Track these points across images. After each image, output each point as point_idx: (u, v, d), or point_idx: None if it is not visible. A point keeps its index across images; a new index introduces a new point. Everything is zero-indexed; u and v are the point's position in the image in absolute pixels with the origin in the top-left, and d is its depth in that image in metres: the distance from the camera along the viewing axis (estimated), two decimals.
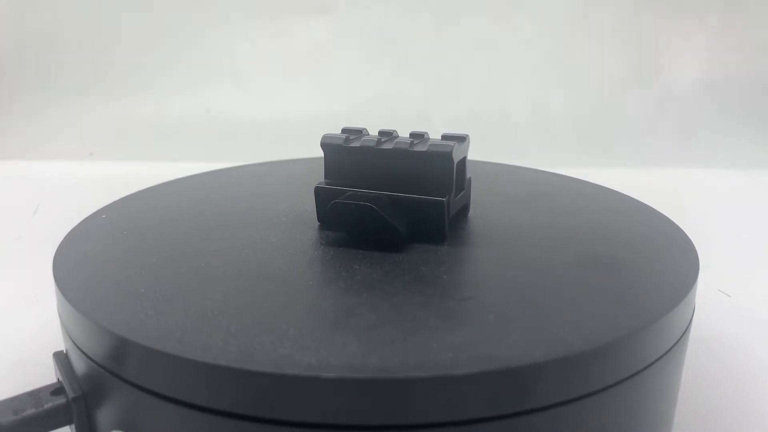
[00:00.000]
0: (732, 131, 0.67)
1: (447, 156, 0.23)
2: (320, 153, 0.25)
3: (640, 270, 0.22)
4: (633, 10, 0.66)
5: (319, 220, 0.25)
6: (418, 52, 0.67)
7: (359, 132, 0.25)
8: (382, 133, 0.25)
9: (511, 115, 0.67)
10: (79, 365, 0.20)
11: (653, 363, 0.19)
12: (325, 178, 0.25)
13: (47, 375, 0.23)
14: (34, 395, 0.21)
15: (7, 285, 0.38)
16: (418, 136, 0.25)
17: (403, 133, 0.26)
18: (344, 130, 0.26)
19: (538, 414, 0.17)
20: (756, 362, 0.30)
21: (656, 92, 0.67)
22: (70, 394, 0.20)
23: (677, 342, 0.20)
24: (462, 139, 0.25)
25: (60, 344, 0.23)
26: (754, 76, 0.67)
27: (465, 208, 0.26)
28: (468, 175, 0.26)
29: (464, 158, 0.25)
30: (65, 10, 0.65)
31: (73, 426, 0.21)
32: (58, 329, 0.22)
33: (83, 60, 0.66)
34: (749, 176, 0.62)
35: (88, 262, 0.23)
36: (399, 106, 0.67)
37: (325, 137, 0.25)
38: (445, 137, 0.25)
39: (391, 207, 0.23)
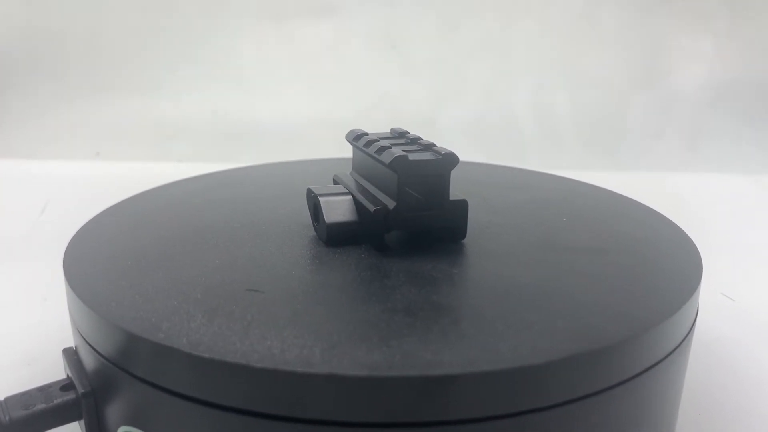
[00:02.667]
0: (738, 136, 0.67)
1: (390, 166, 0.22)
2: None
3: (643, 272, 0.22)
4: (639, 14, 0.66)
5: None
6: (424, 55, 0.68)
7: (399, 133, 0.26)
8: (408, 137, 0.25)
9: (516, 117, 0.67)
10: (89, 361, 0.20)
11: (657, 364, 0.19)
12: (351, 170, 0.27)
13: (57, 371, 0.24)
14: (44, 391, 0.21)
15: (16, 283, 0.38)
16: (421, 145, 0.24)
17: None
18: (392, 131, 0.26)
19: (544, 413, 0.17)
20: (758, 365, 0.30)
21: (662, 96, 0.67)
22: (80, 390, 0.20)
23: (680, 344, 0.20)
24: (437, 153, 0.23)
25: (68, 341, 0.23)
26: (760, 80, 0.67)
27: (450, 231, 0.24)
28: (457, 196, 0.23)
29: (441, 176, 0.23)
30: (73, 9, 0.65)
31: (82, 421, 0.21)
32: (66, 326, 0.23)
33: (90, 60, 0.66)
34: (754, 181, 0.62)
35: (98, 259, 0.23)
36: (404, 108, 0.67)
37: (348, 133, 0.26)
38: (434, 151, 0.23)
39: (350, 207, 0.24)
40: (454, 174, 0.23)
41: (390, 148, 0.23)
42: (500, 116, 0.67)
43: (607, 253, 0.24)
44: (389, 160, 0.22)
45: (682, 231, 0.27)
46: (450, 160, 0.22)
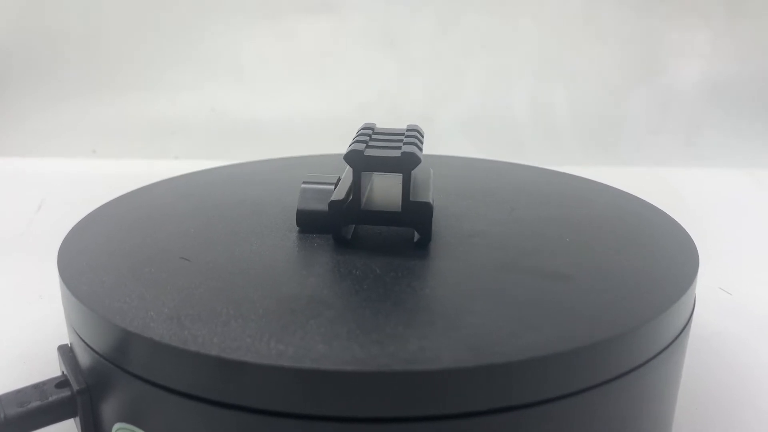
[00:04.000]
0: (735, 131, 0.67)
1: (345, 158, 0.22)
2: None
3: (640, 266, 0.22)
4: (637, 10, 0.66)
5: None
6: (422, 52, 0.67)
7: (408, 129, 0.25)
8: (406, 135, 0.24)
9: (514, 114, 0.67)
10: (84, 358, 0.20)
11: (654, 357, 0.19)
12: None
13: (52, 368, 0.23)
14: (39, 388, 0.21)
15: (11, 280, 0.38)
16: (403, 143, 0.23)
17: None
18: (408, 126, 0.26)
19: (541, 407, 0.17)
20: (756, 359, 0.30)
21: (660, 92, 0.67)
22: (75, 387, 0.20)
23: (678, 337, 0.20)
24: (394, 147, 0.22)
25: (64, 338, 0.23)
26: (757, 75, 0.67)
27: (414, 233, 0.23)
28: (422, 198, 0.22)
29: (401, 175, 0.22)
30: (69, 7, 0.65)
31: (77, 419, 0.21)
32: (61, 323, 0.23)
33: (87, 57, 0.66)
34: (751, 176, 0.62)
35: (92, 256, 0.23)
36: (402, 105, 0.67)
37: (360, 126, 0.26)
38: (401, 149, 0.22)
39: (327, 196, 0.24)
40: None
41: (366, 142, 0.22)
42: (498, 112, 0.67)
43: (603, 246, 0.24)
44: (345, 153, 0.22)
45: (679, 224, 0.27)
46: (408, 159, 0.21)
